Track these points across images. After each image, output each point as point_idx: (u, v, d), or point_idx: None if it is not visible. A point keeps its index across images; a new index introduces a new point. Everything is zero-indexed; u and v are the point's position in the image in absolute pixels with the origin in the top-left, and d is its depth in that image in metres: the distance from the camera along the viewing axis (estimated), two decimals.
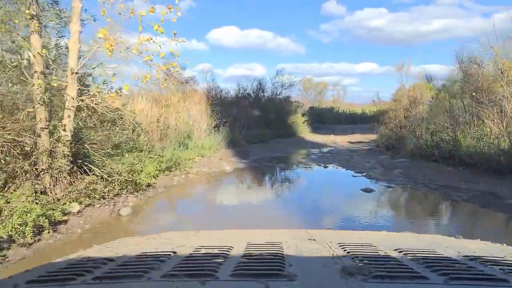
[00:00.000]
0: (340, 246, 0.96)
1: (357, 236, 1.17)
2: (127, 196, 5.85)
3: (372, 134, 19.62)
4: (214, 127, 14.68)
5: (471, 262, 0.82)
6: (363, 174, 8.21)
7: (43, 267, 0.83)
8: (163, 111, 13.54)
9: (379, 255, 0.87)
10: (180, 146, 11.33)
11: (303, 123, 22.37)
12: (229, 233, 1.24)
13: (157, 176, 7.34)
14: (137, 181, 6.21)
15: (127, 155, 6.96)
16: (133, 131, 8.92)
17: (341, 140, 17.77)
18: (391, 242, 1.06)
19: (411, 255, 0.87)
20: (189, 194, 7.09)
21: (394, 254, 0.89)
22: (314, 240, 1.06)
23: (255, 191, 7.27)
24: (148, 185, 6.55)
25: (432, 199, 6.28)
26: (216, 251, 0.90)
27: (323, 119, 30.57)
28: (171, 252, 0.92)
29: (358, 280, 0.67)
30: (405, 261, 0.81)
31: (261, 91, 23.24)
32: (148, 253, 0.91)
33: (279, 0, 50.45)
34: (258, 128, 18.00)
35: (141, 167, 7.04)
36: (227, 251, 0.90)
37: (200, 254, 0.88)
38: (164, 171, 7.78)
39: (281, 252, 0.88)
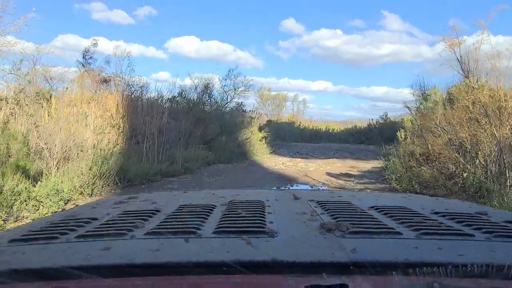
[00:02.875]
0: (319, 204, 0.99)
1: (337, 195, 1.20)
2: None
3: (357, 161, 14.00)
4: (120, 146, 8.42)
5: (442, 218, 0.86)
6: None
7: (26, 226, 0.83)
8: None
9: (356, 212, 0.90)
10: None
11: (260, 140, 16.28)
12: (211, 193, 1.23)
13: None
14: None
15: None
16: None
17: (316, 169, 11.81)
18: (369, 201, 1.07)
19: (386, 212, 0.90)
20: None
21: (371, 211, 0.92)
22: (294, 198, 1.09)
23: None
24: None
25: None
26: (199, 209, 0.91)
27: (283, 135, 24.94)
28: (154, 210, 0.91)
29: (336, 235, 0.69)
30: (380, 218, 0.85)
31: (207, 95, 17.17)
32: (131, 212, 0.90)
33: (239, 14, 49.98)
34: (193, 147, 11.65)
35: None
36: (210, 209, 0.91)
37: (183, 213, 0.88)
38: None
39: (263, 210, 0.89)
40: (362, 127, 29.11)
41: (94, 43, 13.59)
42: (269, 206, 0.95)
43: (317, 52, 55.42)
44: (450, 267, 0.55)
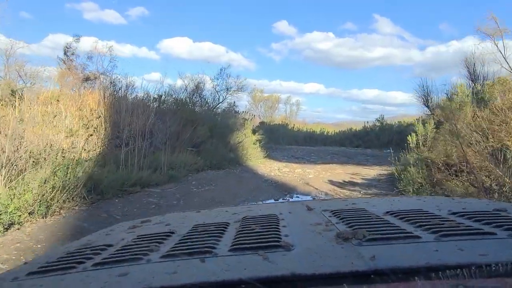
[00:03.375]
0: (334, 213, 0.96)
1: (350, 203, 1.17)
2: None
3: (358, 166, 12.98)
4: (95, 151, 7.38)
5: (460, 218, 0.83)
6: None
7: (42, 258, 0.82)
8: None
9: (372, 219, 0.87)
10: None
11: (254, 144, 15.17)
12: (224, 210, 1.22)
13: None
14: None
15: None
16: None
17: (315, 176, 10.76)
18: (383, 206, 1.05)
19: (403, 216, 0.87)
20: None
21: (387, 217, 0.89)
22: (308, 209, 1.07)
23: None
24: None
25: None
26: (213, 228, 0.89)
27: (276, 137, 23.87)
28: (168, 232, 0.90)
29: (353, 244, 0.67)
30: (397, 222, 0.82)
31: (197, 95, 16.18)
32: (145, 236, 0.89)
33: (232, 15, 50.89)
34: (180, 152, 10.51)
35: None
36: (224, 227, 0.89)
37: (198, 232, 0.86)
38: None
39: (277, 223, 0.88)
40: (357, 130, 28.17)
41: (76, 39, 12.49)
42: (283, 219, 0.93)
43: (309, 54, 55.21)
44: (473, 268, 0.51)
